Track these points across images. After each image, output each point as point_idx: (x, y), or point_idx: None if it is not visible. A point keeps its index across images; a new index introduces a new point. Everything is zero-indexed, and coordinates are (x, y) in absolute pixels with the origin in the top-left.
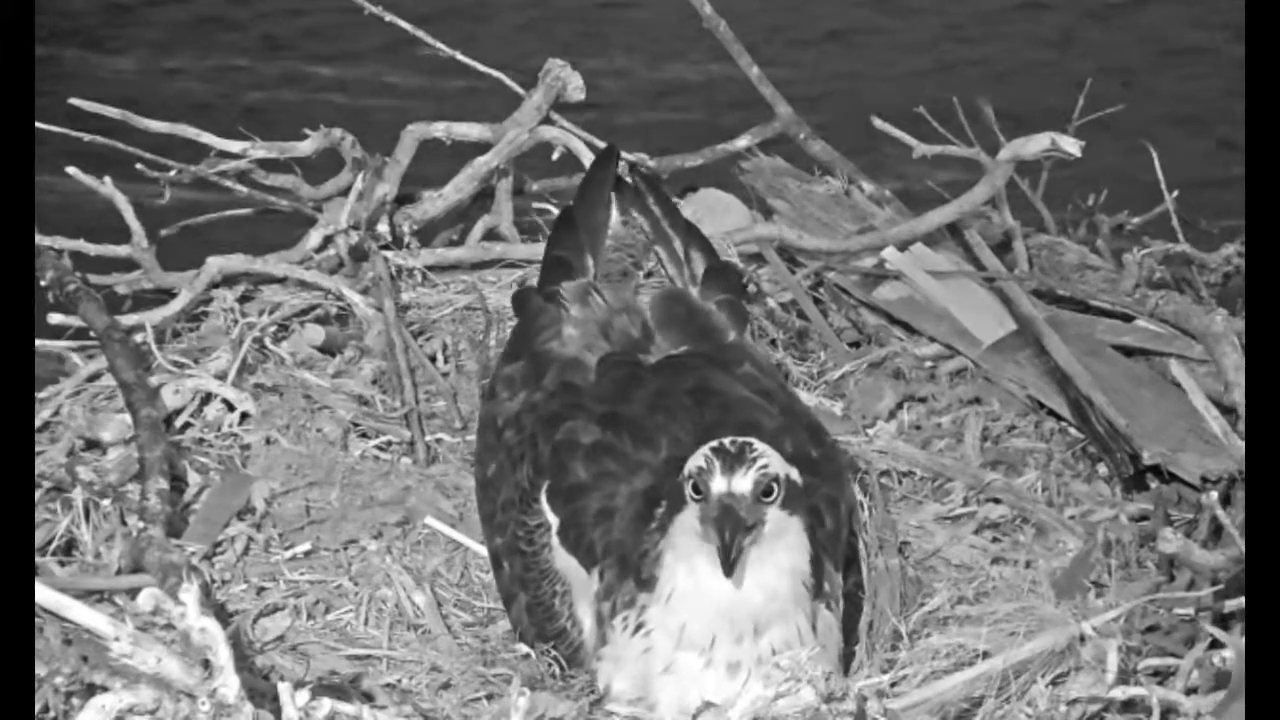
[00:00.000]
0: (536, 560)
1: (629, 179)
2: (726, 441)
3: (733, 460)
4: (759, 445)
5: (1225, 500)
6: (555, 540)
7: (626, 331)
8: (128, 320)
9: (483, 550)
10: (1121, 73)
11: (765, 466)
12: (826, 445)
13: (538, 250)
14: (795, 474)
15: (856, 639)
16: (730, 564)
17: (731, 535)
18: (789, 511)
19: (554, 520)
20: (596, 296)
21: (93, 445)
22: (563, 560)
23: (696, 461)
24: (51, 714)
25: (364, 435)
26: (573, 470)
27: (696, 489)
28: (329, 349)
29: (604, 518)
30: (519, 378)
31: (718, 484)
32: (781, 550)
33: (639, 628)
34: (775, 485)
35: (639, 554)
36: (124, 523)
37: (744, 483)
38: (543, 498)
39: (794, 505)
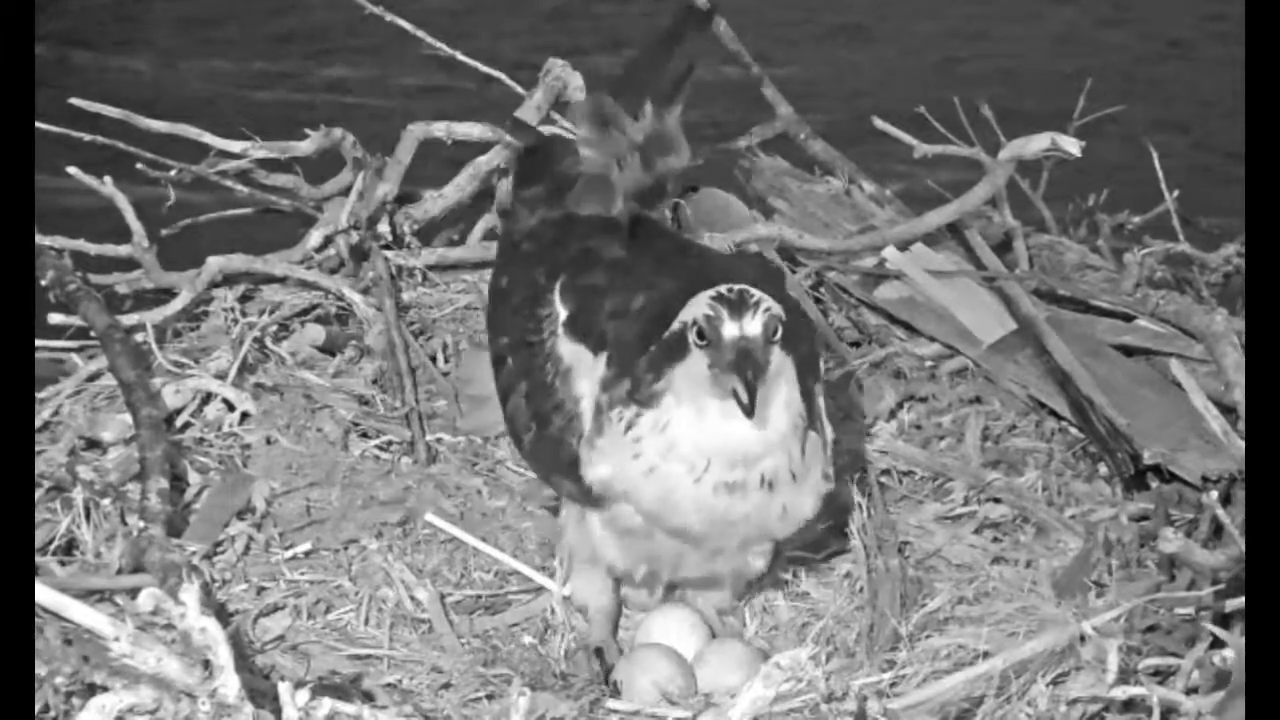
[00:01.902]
0: (541, 348)
1: None
2: (724, 289)
3: (738, 306)
4: (754, 289)
5: (1225, 500)
6: (562, 330)
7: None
8: (128, 320)
9: (483, 546)
10: (1123, 71)
11: (769, 309)
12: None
13: None
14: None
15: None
16: (752, 406)
17: (754, 376)
18: (785, 350)
19: (563, 311)
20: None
21: (93, 445)
22: (568, 347)
23: (700, 310)
24: (52, 714)
25: (364, 435)
26: (592, 274)
27: (701, 335)
28: (329, 349)
29: (617, 317)
30: (542, 197)
31: (729, 329)
32: (781, 388)
33: (630, 427)
34: (779, 326)
35: (635, 381)
36: (124, 522)
37: (754, 326)
38: (556, 290)
39: (787, 343)
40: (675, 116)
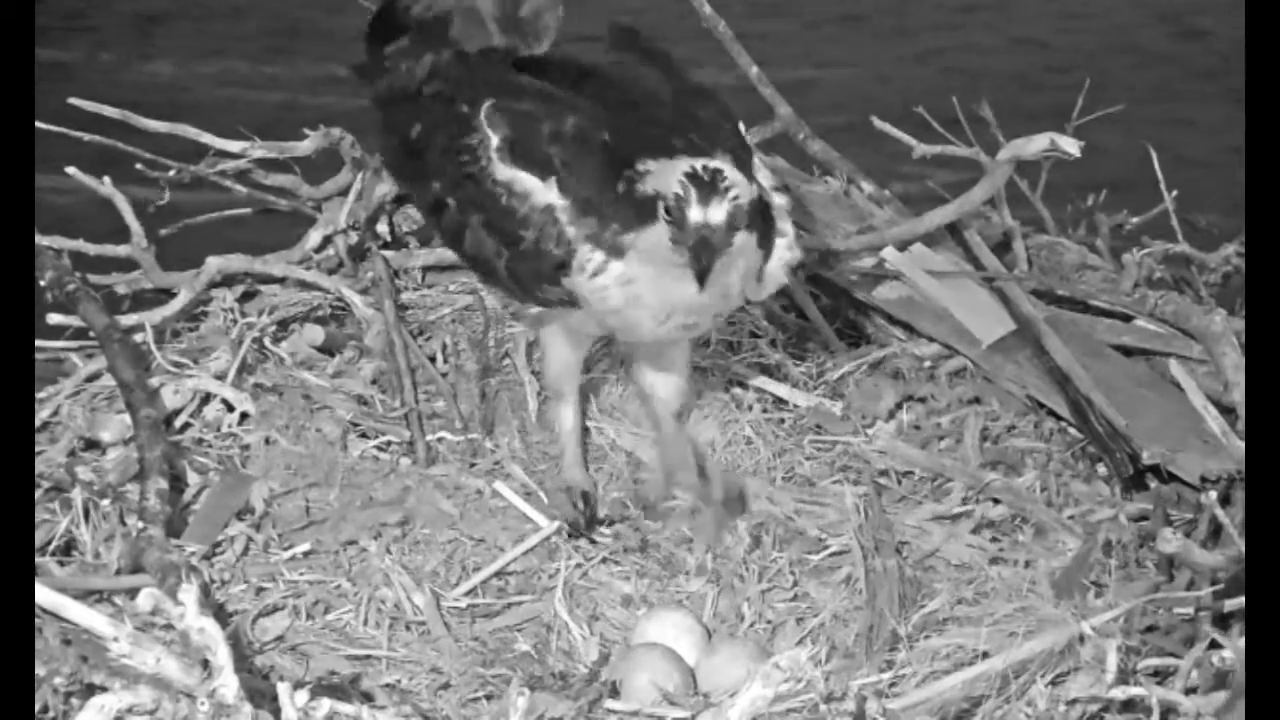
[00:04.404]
0: (485, 175)
1: None
2: (699, 168)
3: (708, 191)
4: (729, 173)
5: (1225, 500)
6: (496, 155)
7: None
8: (127, 320)
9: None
10: (1122, 71)
11: (737, 198)
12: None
13: None
14: (755, 191)
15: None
16: (702, 282)
17: (707, 262)
18: (750, 230)
19: (494, 137)
20: None
21: (92, 445)
22: (507, 172)
23: (671, 185)
24: (51, 714)
25: (364, 435)
26: (519, 100)
27: (669, 211)
28: (329, 349)
29: (555, 140)
30: (408, 49)
31: (694, 214)
32: (740, 260)
33: (598, 274)
34: (746, 214)
35: (603, 224)
36: (123, 523)
37: (718, 214)
38: (482, 115)
39: (754, 222)
40: None
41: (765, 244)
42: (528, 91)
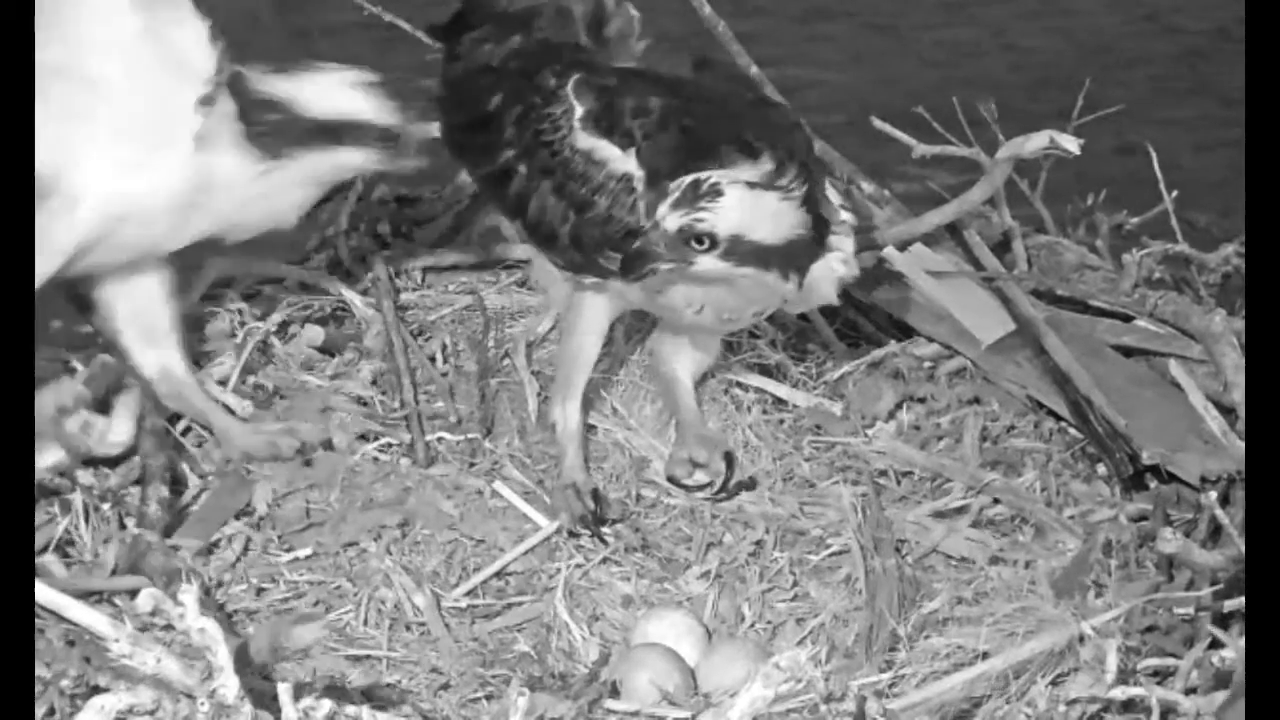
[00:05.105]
0: (564, 143)
1: None
2: (708, 179)
3: (686, 199)
4: (726, 200)
5: (1224, 500)
6: (579, 124)
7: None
8: None
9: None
10: (1122, 71)
11: (701, 221)
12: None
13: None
14: (752, 233)
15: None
16: (622, 272)
17: (634, 256)
18: (737, 263)
19: (580, 107)
20: None
21: None
22: (589, 140)
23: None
24: (56, 716)
25: (363, 437)
26: (604, 76)
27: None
28: (328, 350)
29: (640, 115)
30: (491, 34)
31: (660, 209)
32: (736, 285)
33: None
34: (702, 238)
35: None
36: (123, 527)
37: (674, 220)
38: (569, 87)
39: (747, 259)
40: None
41: (798, 272)
42: (616, 70)
